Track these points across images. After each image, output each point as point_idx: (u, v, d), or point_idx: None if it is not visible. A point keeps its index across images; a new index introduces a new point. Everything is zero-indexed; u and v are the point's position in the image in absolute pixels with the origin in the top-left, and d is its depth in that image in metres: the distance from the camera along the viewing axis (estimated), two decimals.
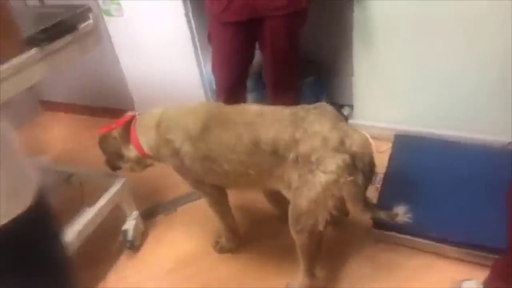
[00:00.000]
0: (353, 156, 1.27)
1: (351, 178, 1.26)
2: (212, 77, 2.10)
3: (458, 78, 1.96)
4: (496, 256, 1.43)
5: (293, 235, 1.41)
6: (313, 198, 1.30)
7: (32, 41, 1.20)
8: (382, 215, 1.44)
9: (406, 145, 2.05)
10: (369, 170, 1.33)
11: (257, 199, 1.93)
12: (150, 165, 1.67)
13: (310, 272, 1.45)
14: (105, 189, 1.73)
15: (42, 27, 1.24)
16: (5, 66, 1.13)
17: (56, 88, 2.95)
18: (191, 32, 2.16)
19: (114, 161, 1.66)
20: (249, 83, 2.03)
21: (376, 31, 1.99)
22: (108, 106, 2.71)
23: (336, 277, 1.60)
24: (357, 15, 1.97)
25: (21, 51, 1.17)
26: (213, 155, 1.41)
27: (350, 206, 1.39)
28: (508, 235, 1.24)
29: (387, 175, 1.89)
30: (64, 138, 2.79)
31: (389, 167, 1.94)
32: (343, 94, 2.39)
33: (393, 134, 2.14)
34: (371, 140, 2.07)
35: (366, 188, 1.37)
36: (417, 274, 1.58)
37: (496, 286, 1.35)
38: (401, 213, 1.40)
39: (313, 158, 1.27)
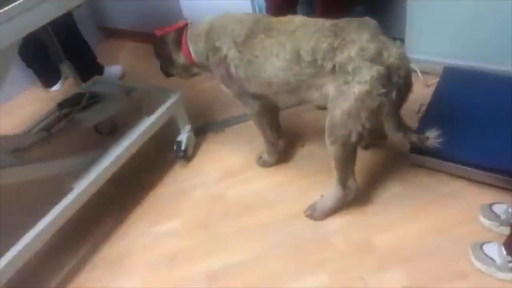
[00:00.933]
0: (389, 69, 1.30)
1: (384, 90, 1.31)
2: (263, 4, 2.16)
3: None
4: None
5: (327, 145, 1.50)
6: (346, 109, 1.36)
7: None
8: (414, 137, 1.50)
9: (453, 78, 2.03)
10: (405, 84, 1.36)
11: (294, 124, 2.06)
12: (197, 74, 1.79)
13: (343, 183, 1.56)
14: (162, 103, 1.91)
15: None
16: None
17: (115, 14, 3.13)
18: None
19: (166, 66, 1.78)
20: (299, 10, 2.08)
21: None
22: None
23: (368, 192, 1.71)
24: None
25: None
26: (257, 61, 1.49)
27: (384, 120, 1.45)
28: None
29: (430, 105, 1.91)
30: (123, 63, 3.00)
31: (433, 97, 1.95)
32: (395, 27, 2.34)
33: (442, 67, 2.12)
34: (416, 68, 2.09)
35: (400, 104, 1.41)
36: (448, 197, 1.65)
37: None
38: (432, 137, 1.46)
39: (350, 68, 1.32)
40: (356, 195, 1.61)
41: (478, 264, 1.40)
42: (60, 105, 1.86)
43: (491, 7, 1.90)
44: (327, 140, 1.49)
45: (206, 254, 1.65)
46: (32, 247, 1.43)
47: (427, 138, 1.47)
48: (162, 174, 2.03)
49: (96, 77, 2.21)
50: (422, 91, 2.08)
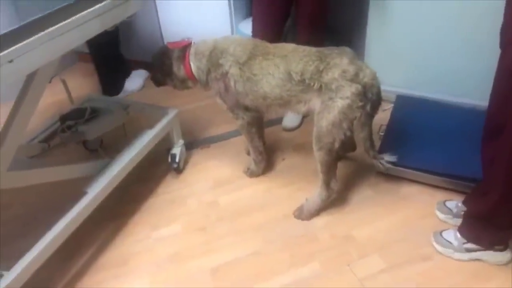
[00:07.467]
0: (364, 87, 1.62)
1: (362, 103, 1.63)
2: (240, 31, 2.44)
3: (455, 52, 2.34)
4: (471, 184, 1.84)
5: (315, 152, 1.77)
6: (331, 120, 1.65)
7: None
8: (371, 153, 1.83)
9: (404, 104, 2.45)
10: (377, 100, 1.69)
11: (274, 141, 2.33)
12: (189, 87, 2.00)
13: (327, 184, 1.83)
14: (157, 120, 2.08)
15: None
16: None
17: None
18: None
19: (161, 76, 1.97)
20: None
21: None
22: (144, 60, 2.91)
23: (345, 195, 2.01)
24: None
25: None
26: (255, 78, 1.75)
27: (359, 130, 1.74)
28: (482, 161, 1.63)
29: (388, 126, 2.29)
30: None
31: (390, 119, 2.34)
32: None
33: (395, 95, 2.54)
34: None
35: (372, 116, 1.74)
36: (410, 197, 1.99)
37: (471, 203, 1.74)
38: (385, 158, 1.81)
39: (333, 87, 1.63)
40: (337, 195, 1.89)
41: (439, 248, 1.73)
42: (63, 118, 1.96)
43: (435, 49, 2.37)
44: (315, 147, 1.77)
45: (207, 252, 1.81)
46: (52, 246, 1.51)
47: (382, 158, 1.82)
48: (154, 185, 2.17)
49: (91, 94, 2.34)
50: (380, 115, 2.43)
